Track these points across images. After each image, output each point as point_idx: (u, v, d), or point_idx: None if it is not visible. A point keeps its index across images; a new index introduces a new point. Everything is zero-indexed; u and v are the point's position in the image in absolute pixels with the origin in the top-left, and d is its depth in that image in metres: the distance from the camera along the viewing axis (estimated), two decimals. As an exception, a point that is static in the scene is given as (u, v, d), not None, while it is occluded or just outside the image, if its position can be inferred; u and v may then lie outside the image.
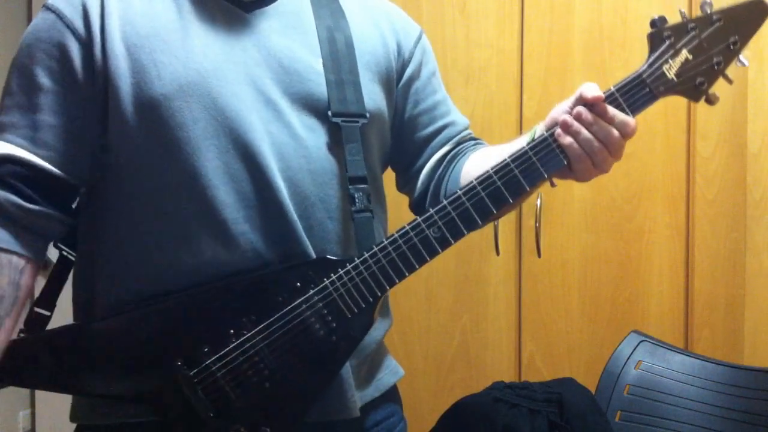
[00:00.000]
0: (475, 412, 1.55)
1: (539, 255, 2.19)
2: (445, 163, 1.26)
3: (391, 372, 1.26)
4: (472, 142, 1.29)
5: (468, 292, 2.24)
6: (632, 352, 1.80)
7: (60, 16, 1.11)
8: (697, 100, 1.11)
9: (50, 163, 1.10)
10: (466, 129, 1.30)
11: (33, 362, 1.11)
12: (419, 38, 1.28)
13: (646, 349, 1.81)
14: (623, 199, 2.18)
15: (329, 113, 1.13)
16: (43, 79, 1.10)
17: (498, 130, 2.21)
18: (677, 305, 2.18)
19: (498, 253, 2.21)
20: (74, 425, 1.20)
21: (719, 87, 1.10)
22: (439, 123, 1.27)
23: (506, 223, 2.21)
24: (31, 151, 1.09)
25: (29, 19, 2.76)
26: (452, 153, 1.27)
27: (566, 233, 2.20)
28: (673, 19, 1.10)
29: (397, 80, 1.24)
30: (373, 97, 1.19)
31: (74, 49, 1.10)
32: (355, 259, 1.08)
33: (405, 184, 1.31)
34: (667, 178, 2.17)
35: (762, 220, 2.12)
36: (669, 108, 2.14)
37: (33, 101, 1.10)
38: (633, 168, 2.16)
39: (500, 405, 1.53)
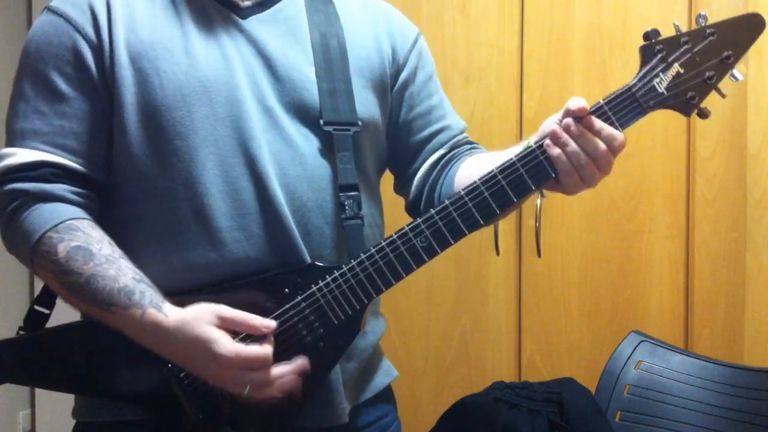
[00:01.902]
0: (475, 412, 1.55)
1: (539, 255, 2.19)
2: (439, 167, 1.26)
3: (385, 373, 1.27)
4: (468, 147, 1.29)
5: (468, 292, 2.24)
6: (632, 352, 1.80)
7: (68, 20, 1.11)
8: (688, 114, 1.10)
9: (80, 166, 1.11)
10: (461, 133, 1.30)
11: (29, 360, 1.12)
12: (415, 42, 1.28)
13: (646, 349, 1.81)
14: (623, 199, 2.18)
15: (321, 122, 1.13)
16: (62, 86, 1.11)
17: (498, 130, 2.21)
18: (677, 305, 2.18)
19: (498, 253, 2.21)
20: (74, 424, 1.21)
21: (723, 85, 1.09)
22: (434, 127, 1.27)
23: (506, 223, 2.21)
24: (60, 157, 1.10)
25: (29, 20, 2.75)
26: (446, 157, 1.27)
27: (566, 233, 2.20)
28: (669, 31, 1.10)
29: (392, 85, 1.25)
30: (366, 104, 1.19)
31: (88, 55, 1.11)
32: (343, 266, 1.08)
33: (401, 187, 1.32)
34: (667, 178, 2.17)
35: (762, 220, 2.12)
36: (669, 108, 2.14)
37: (53, 108, 1.11)
38: (633, 168, 2.16)
39: (500, 405, 1.53)
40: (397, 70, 1.25)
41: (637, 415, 1.75)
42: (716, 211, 2.14)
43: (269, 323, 1.05)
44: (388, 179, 1.33)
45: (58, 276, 1.06)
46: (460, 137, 1.29)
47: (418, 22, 1.32)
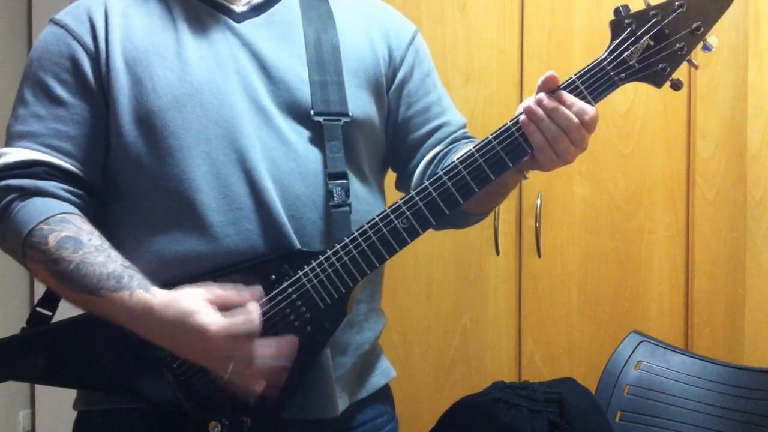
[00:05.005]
0: (475, 412, 1.55)
1: (539, 255, 2.19)
2: (435, 162, 1.27)
3: (382, 373, 1.28)
4: (465, 141, 1.30)
5: (468, 292, 2.24)
6: (632, 353, 1.80)
7: (68, 30, 1.17)
8: (660, 85, 1.12)
9: (73, 168, 1.15)
10: (460, 128, 1.31)
11: (28, 357, 1.13)
12: (412, 40, 1.29)
13: (646, 349, 1.81)
14: (623, 199, 2.18)
15: (312, 112, 1.16)
16: (59, 91, 1.15)
17: (498, 130, 2.21)
18: (677, 305, 2.18)
19: (498, 253, 2.21)
20: (73, 423, 1.22)
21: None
22: (433, 124, 1.28)
23: (506, 223, 2.21)
24: (54, 158, 1.14)
25: (29, 22, 2.75)
26: (443, 152, 1.27)
27: (566, 233, 2.20)
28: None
29: (388, 85, 1.26)
30: (359, 102, 1.20)
31: (85, 63, 1.15)
32: (328, 251, 1.10)
33: (401, 184, 1.33)
34: (667, 178, 2.17)
35: (762, 220, 2.12)
36: (669, 108, 2.14)
37: (50, 112, 1.15)
38: (633, 168, 2.16)
39: (500, 405, 1.53)
40: (394, 70, 1.26)
41: (637, 415, 1.75)
42: (716, 211, 2.14)
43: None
44: (391, 178, 1.34)
45: (48, 265, 1.08)
46: (458, 133, 1.30)
47: (419, 22, 1.32)
